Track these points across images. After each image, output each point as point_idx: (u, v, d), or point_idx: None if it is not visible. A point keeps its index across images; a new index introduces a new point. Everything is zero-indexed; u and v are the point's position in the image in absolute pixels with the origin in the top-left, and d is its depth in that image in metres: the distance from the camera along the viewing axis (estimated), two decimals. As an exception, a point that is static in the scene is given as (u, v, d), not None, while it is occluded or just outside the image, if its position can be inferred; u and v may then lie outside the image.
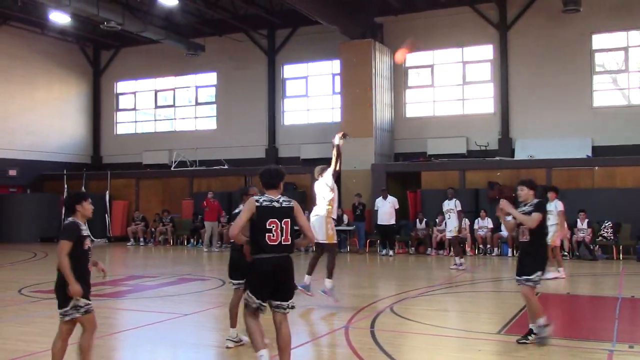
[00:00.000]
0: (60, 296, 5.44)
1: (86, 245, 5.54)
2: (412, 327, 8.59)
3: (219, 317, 9.30)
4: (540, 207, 7.19)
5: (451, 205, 15.52)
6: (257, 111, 25.28)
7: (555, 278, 12.55)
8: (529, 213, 7.11)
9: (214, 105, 26.67)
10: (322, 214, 9.80)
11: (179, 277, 13.73)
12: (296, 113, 25.33)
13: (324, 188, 10.02)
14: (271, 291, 5.53)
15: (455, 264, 14.84)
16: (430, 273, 15.00)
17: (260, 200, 5.59)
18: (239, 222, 5.62)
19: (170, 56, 26.21)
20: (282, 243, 5.53)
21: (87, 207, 5.67)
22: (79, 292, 5.32)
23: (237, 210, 7.00)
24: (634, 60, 20.65)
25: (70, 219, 5.60)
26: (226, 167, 24.27)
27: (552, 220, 12.52)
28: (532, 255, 7.17)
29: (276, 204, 5.59)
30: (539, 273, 7.10)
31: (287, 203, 5.65)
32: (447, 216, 15.71)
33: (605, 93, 20.91)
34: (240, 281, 6.80)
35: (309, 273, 10.02)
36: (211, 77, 26.62)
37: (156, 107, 28.06)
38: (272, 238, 5.49)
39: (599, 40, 20.76)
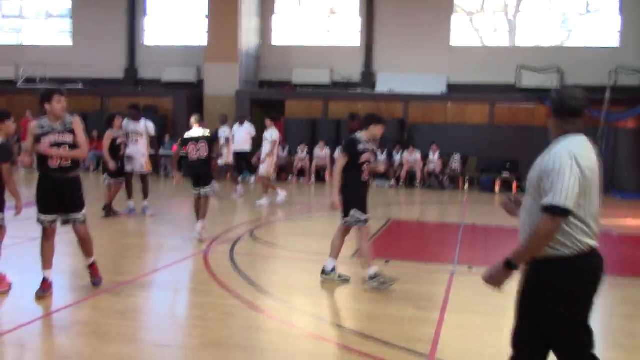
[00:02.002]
0: None
1: None
2: (270, 251, 8.79)
3: (72, 241, 8.96)
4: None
5: (221, 132, 15.66)
6: (117, 29, 23.83)
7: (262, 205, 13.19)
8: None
9: (70, 20, 24.75)
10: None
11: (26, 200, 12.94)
12: (159, 33, 24.16)
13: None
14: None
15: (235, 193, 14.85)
16: (289, 199, 15.27)
17: None
18: None
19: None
20: None
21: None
22: None
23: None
24: (490, 3, 21.65)
25: None
26: (81, 86, 22.86)
27: (266, 149, 13.23)
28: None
29: None
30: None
31: None
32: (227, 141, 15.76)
33: (462, 33, 21.86)
34: None
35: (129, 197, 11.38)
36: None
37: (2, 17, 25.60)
38: None
39: (459, -20, 21.52)
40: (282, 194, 13.52)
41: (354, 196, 6.77)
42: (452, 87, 20.83)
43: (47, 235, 6.17)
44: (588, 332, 3.32)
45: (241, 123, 18.31)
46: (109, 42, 23.83)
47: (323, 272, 6.98)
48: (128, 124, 11.38)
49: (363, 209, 6.77)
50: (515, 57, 20.38)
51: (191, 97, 21.44)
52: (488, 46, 21.47)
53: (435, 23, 21.38)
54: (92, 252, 6.42)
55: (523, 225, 3.33)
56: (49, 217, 6.11)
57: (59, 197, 6.07)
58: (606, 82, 18.55)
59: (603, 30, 20.69)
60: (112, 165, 10.72)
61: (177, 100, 21.31)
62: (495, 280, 3.28)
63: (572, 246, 3.16)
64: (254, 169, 18.82)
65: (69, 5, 24.64)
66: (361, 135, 6.79)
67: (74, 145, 6.02)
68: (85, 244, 6.35)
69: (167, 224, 10.87)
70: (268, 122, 13.46)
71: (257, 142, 19.05)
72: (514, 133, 18.79)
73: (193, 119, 9.66)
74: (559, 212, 3.08)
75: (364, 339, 5.14)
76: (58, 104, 5.95)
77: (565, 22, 21.35)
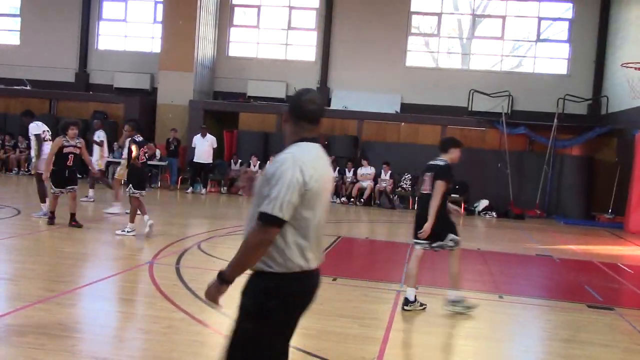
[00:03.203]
0: None
1: None
2: (218, 265, 8.63)
3: (10, 247, 8.68)
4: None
5: (96, 137, 14.80)
6: (69, 31, 23.33)
7: (117, 214, 12.25)
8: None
9: (18, 19, 24.12)
10: None
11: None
12: (112, 38, 23.77)
13: None
14: None
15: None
16: (240, 212, 15.17)
17: None
18: None
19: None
20: None
21: None
22: None
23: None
24: (445, 26, 22.11)
25: None
26: (29, 87, 22.28)
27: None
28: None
29: None
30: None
31: None
32: (94, 148, 14.71)
33: (417, 54, 22.22)
34: None
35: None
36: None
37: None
38: None
39: (417, 2, 21.88)
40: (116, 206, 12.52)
41: (448, 220, 6.85)
42: (405, 107, 21.10)
43: None
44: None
45: (203, 135, 18.30)
46: (60, 44, 23.31)
47: (406, 303, 6.66)
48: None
49: (455, 232, 6.85)
50: (468, 80, 20.81)
51: (144, 104, 21.13)
52: (442, 68, 21.89)
53: (391, 43, 21.68)
54: None
55: (245, 231, 3.03)
56: None
57: None
58: (555, 109, 19.11)
59: (553, 58, 21.35)
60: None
61: (129, 107, 20.96)
62: (209, 295, 3.01)
63: (282, 263, 2.92)
64: (207, 182, 18.70)
65: (18, 3, 24.02)
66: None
67: None
68: None
69: (110, 233, 10.61)
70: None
71: (216, 153, 19.08)
72: (464, 155, 18.94)
73: (128, 126, 10.73)
74: (271, 221, 2.82)
75: (309, 356, 5.09)
76: None
77: (518, 48, 21.95)
